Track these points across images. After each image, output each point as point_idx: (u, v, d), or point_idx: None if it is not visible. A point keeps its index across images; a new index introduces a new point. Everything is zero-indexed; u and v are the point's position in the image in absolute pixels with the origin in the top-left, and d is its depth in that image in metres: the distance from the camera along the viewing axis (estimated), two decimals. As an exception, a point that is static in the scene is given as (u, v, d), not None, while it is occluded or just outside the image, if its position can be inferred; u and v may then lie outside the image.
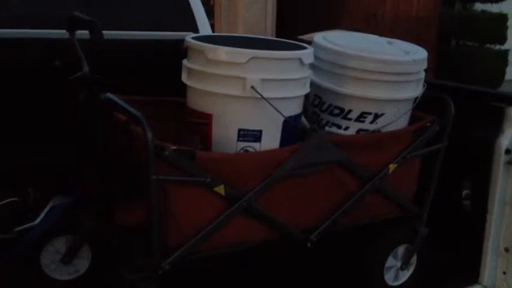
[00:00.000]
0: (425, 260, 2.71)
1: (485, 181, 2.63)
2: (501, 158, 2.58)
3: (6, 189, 2.64)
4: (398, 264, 2.64)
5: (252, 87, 2.04)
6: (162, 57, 2.80)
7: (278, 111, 2.09)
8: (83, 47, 2.21)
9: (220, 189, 2.04)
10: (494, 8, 8.93)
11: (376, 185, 2.40)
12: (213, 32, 3.75)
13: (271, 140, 2.18)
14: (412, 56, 2.46)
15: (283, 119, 2.14)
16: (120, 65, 2.63)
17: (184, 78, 2.22)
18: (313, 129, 2.30)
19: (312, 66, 2.30)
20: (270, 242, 2.27)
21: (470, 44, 8.84)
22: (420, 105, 2.50)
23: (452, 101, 2.50)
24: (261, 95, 2.05)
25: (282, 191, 2.18)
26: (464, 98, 2.64)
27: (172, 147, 1.93)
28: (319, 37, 2.54)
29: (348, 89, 2.38)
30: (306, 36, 3.22)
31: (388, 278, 2.63)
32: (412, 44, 2.62)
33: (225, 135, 2.13)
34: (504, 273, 2.70)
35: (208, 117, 2.14)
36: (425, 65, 2.48)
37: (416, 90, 2.47)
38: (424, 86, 2.50)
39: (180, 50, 2.27)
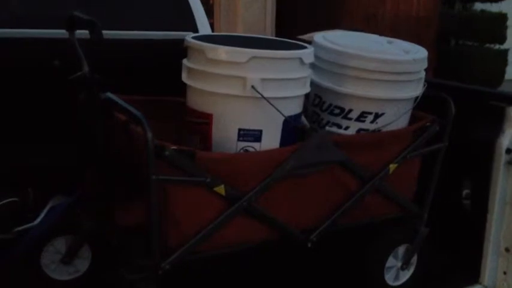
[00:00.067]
0: (426, 260, 2.71)
1: (485, 181, 2.63)
2: (501, 158, 2.58)
3: (6, 189, 2.64)
4: (399, 264, 2.64)
5: (252, 86, 2.04)
6: (161, 57, 2.80)
7: (278, 111, 2.09)
8: (82, 46, 2.21)
9: (221, 189, 2.03)
10: (493, 7, 8.94)
11: (376, 185, 2.40)
12: (213, 31, 3.74)
13: (271, 140, 2.17)
14: (412, 55, 2.45)
15: (284, 118, 2.14)
16: (120, 64, 2.63)
17: (184, 77, 2.22)
18: (313, 129, 2.29)
19: (312, 65, 2.30)
20: (270, 242, 2.26)
21: (470, 44, 8.85)
22: (420, 105, 2.50)
23: (452, 101, 2.50)
24: (261, 95, 2.04)
25: (282, 191, 2.18)
26: (464, 98, 2.64)
27: (172, 147, 1.92)
28: (319, 37, 2.54)
29: (348, 88, 2.38)
30: (305, 36, 3.22)
31: (389, 278, 2.63)
32: (412, 44, 2.62)
33: (225, 135, 2.13)
34: (505, 273, 2.69)
35: (208, 117, 2.14)
36: (425, 65, 2.48)
37: (416, 90, 2.47)
38: (424, 85, 2.49)
39: (179, 50, 2.26)
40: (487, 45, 8.82)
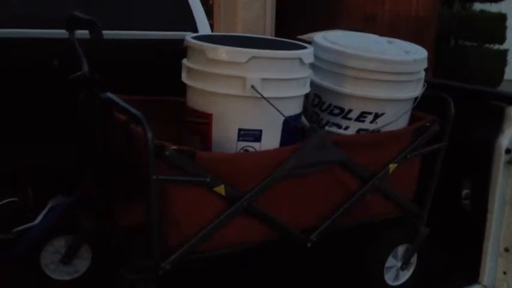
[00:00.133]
0: (426, 260, 2.71)
1: (485, 181, 2.63)
2: (501, 158, 2.58)
3: (6, 190, 2.63)
4: (399, 264, 2.64)
5: (252, 86, 2.04)
6: (161, 57, 2.80)
7: (278, 111, 2.09)
8: (82, 46, 2.21)
9: (221, 189, 2.03)
10: (493, 7, 8.95)
11: (376, 185, 2.40)
12: (212, 31, 3.74)
13: (271, 140, 2.17)
14: (412, 55, 2.45)
15: (283, 118, 2.14)
16: (120, 64, 2.63)
17: (184, 77, 2.22)
18: (313, 128, 2.29)
19: (312, 65, 2.30)
20: (270, 242, 2.26)
21: (469, 44, 8.86)
22: (420, 105, 2.50)
23: (452, 101, 2.50)
24: (261, 95, 2.04)
25: (282, 191, 2.18)
26: (464, 98, 2.64)
27: (172, 147, 1.92)
28: (319, 37, 2.54)
29: (348, 88, 2.38)
30: (305, 36, 3.21)
31: (388, 278, 2.63)
32: (412, 44, 2.62)
33: (225, 135, 2.13)
34: (504, 273, 2.70)
35: (208, 116, 2.14)
36: (425, 65, 2.48)
37: (416, 90, 2.47)
38: (424, 85, 2.49)
39: (179, 50, 2.26)
40: (487, 45, 8.84)
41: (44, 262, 2.48)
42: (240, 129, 2.12)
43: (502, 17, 8.69)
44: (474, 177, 2.72)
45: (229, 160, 2.09)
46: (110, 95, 2.19)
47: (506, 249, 2.67)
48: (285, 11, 6.64)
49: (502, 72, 8.79)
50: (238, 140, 2.13)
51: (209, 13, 5.73)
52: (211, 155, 2.10)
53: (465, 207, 2.76)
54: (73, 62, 2.21)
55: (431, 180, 2.58)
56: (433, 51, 6.28)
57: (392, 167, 2.42)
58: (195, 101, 2.21)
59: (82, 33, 2.12)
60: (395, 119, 2.42)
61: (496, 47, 8.85)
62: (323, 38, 2.52)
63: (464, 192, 2.75)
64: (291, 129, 2.20)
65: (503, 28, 8.70)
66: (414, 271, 2.70)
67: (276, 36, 5.51)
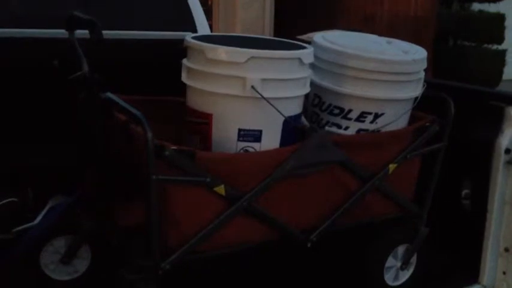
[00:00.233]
0: (425, 260, 2.71)
1: (485, 181, 2.63)
2: (501, 158, 2.58)
3: (6, 190, 2.63)
4: (398, 264, 2.64)
5: (252, 86, 2.04)
6: (160, 57, 2.80)
7: (278, 111, 2.09)
8: (82, 46, 2.21)
9: (221, 189, 2.03)
10: (491, 8, 8.96)
11: (376, 185, 2.40)
12: (211, 32, 3.74)
13: (271, 140, 2.17)
14: (411, 55, 2.46)
15: (283, 118, 2.14)
16: (119, 64, 2.63)
17: (184, 77, 2.22)
18: (313, 129, 2.29)
19: (312, 65, 2.30)
20: (270, 242, 2.26)
21: (468, 44, 8.86)
22: (420, 105, 2.50)
23: (452, 101, 2.50)
24: (261, 95, 2.04)
25: (282, 191, 2.18)
26: (464, 98, 2.64)
27: (172, 147, 1.92)
28: (318, 37, 2.54)
29: (347, 88, 2.38)
30: (304, 36, 3.21)
31: (388, 278, 2.63)
32: (411, 44, 2.62)
33: (225, 135, 2.13)
34: (504, 273, 2.70)
35: (208, 117, 2.14)
36: (425, 65, 2.48)
37: (416, 90, 2.47)
38: (423, 85, 2.49)
39: (178, 50, 2.26)
40: (485, 45, 8.84)
41: (44, 262, 2.48)
42: (240, 130, 2.12)
43: (500, 17, 8.69)
44: (474, 177, 2.72)
45: (229, 160, 2.09)
46: (109, 95, 2.19)
47: (506, 249, 2.67)
48: (284, 11, 6.64)
49: (501, 72, 8.80)
50: (238, 140, 2.13)
51: (208, 13, 5.73)
52: (211, 155, 2.10)
53: (465, 207, 2.76)
54: (73, 62, 2.21)
55: (431, 180, 2.58)
56: (431, 51, 6.28)
57: (392, 167, 2.42)
58: (195, 101, 2.20)
59: (82, 33, 2.11)
60: (395, 119, 2.42)
61: (495, 47, 8.85)
62: (322, 38, 2.52)
63: (464, 192, 2.75)
64: (291, 129, 2.20)
65: (502, 28, 8.70)
66: (414, 271, 2.70)
67: (275, 36, 5.51)
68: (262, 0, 6.39)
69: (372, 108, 2.39)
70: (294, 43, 2.37)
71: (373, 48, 2.46)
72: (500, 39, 8.75)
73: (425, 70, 2.51)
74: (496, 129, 2.60)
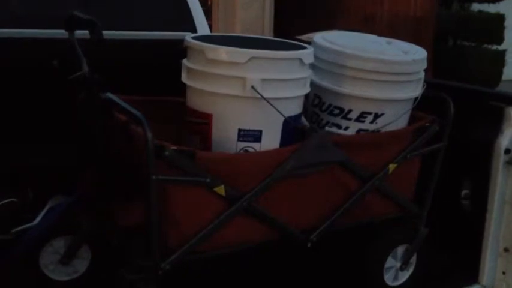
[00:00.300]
0: (425, 260, 2.71)
1: (484, 181, 2.63)
2: (500, 158, 2.58)
3: (5, 190, 2.63)
4: (398, 264, 2.64)
5: (252, 87, 2.04)
6: (160, 57, 2.80)
7: (278, 111, 2.09)
8: (82, 46, 2.21)
9: (221, 189, 2.03)
10: (491, 8, 8.95)
11: (376, 185, 2.40)
12: (211, 32, 3.74)
13: (271, 140, 2.17)
14: (411, 55, 2.46)
15: (283, 119, 2.14)
16: (119, 64, 2.63)
17: (184, 78, 2.22)
18: (313, 129, 2.29)
19: (312, 66, 2.30)
20: (270, 242, 2.26)
21: (467, 44, 8.86)
22: (420, 105, 2.50)
23: (452, 101, 2.50)
24: (261, 95, 2.04)
25: (282, 191, 2.18)
26: (464, 98, 2.64)
27: (172, 147, 1.92)
28: (318, 37, 2.54)
29: (347, 89, 2.38)
30: (304, 37, 3.22)
31: (388, 278, 2.63)
32: (411, 44, 2.62)
33: (225, 135, 2.13)
34: (503, 273, 2.70)
35: (208, 117, 2.14)
36: (425, 65, 2.48)
37: (416, 90, 2.47)
38: (423, 85, 2.49)
39: (178, 50, 2.26)
40: (485, 45, 8.84)
41: (43, 262, 2.48)
42: (240, 130, 2.12)
43: (500, 18, 8.69)
44: (474, 177, 2.72)
45: (229, 160, 2.09)
46: (109, 95, 2.19)
47: (506, 249, 2.67)
48: (284, 11, 6.64)
49: (500, 73, 8.79)
50: (238, 140, 2.13)
51: (208, 13, 5.73)
52: (211, 155, 2.10)
53: (465, 207, 2.76)
54: (73, 62, 2.21)
55: (431, 180, 2.58)
56: (431, 52, 6.28)
57: (392, 167, 2.42)
58: (194, 101, 2.20)
59: (82, 33, 2.11)
60: (395, 119, 2.42)
61: (494, 47, 8.85)
62: (322, 38, 2.52)
63: (464, 192, 2.75)
64: (291, 129, 2.20)
65: (502, 28, 8.70)
66: (414, 271, 2.70)
67: (274, 36, 5.51)
68: (261, 0, 6.40)
69: (372, 109, 2.39)
70: (293, 43, 2.37)
71: (373, 48, 2.46)
72: (500, 39, 8.75)
73: (425, 70, 2.51)
74: (496, 129, 2.60)
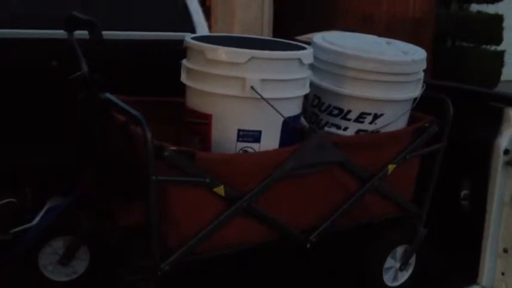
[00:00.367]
0: (424, 261, 2.71)
1: (484, 181, 2.63)
2: (500, 159, 2.58)
3: (4, 190, 2.62)
4: (397, 264, 2.64)
5: (252, 87, 2.03)
6: (159, 58, 2.80)
7: (278, 112, 2.09)
8: (82, 46, 2.21)
9: (220, 189, 2.03)
10: (490, 8, 8.95)
11: (376, 186, 2.40)
12: (210, 32, 3.74)
13: (270, 141, 2.17)
14: (410, 56, 2.46)
15: (283, 119, 2.14)
16: (118, 65, 2.63)
17: (184, 78, 2.22)
18: (312, 129, 2.29)
19: (311, 66, 2.30)
20: (269, 242, 2.26)
21: (466, 45, 8.85)
22: (419, 106, 2.50)
23: (451, 102, 2.50)
24: (260, 96, 2.04)
25: (282, 192, 2.18)
26: (463, 99, 2.64)
27: (171, 148, 1.92)
28: (318, 37, 2.54)
29: (347, 89, 2.38)
30: (303, 37, 3.22)
31: (387, 278, 2.63)
32: (410, 45, 2.62)
33: (224, 135, 2.13)
34: (503, 273, 2.70)
35: (207, 117, 2.13)
36: (424, 66, 2.48)
37: (415, 91, 2.47)
38: (423, 86, 2.49)
39: (177, 51, 2.26)
40: (484, 46, 8.83)
41: (42, 263, 2.47)
42: (239, 130, 2.12)
43: (499, 18, 8.69)
44: (473, 178, 2.72)
45: (228, 161, 2.08)
46: (109, 95, 2.19)
47: (505, 250, 2.67)
48: (283, 12, 6.64)
49: (499, 73, 8.79)
50: (238, 140, 2.13)
51: (207, 14, 5.72)
52: (210, 156, 2.10)
53: (464, 208, 2.77)
54: (72, 62, 2.21)
55: (430, 180, 2.58)
56: (430, 52, 6.27)
57: (391, 167, 2.42)
58: (194, 102, 2.20)
59: (82, 33, 2.11)
60: (394, 120, 2.42)
61: (493, 48, 8.85)
62: (322, 38, 2.52)
63: (463, 193, 2.75)
64: (291, 130, 2.20)
65: (500, 29, 8.69)
66: (413, 272, 2.70)
67: (273, 37, 5.51)
68: (260, 1, 6.39)
69: (371, 109, 2.39)
70: (293, 44, 2.37)
71: (372, 48, 2.46)
72: (499, 40, 8.75)
73: (424, 71, 2.51)
74: (495, 130, 2.60)
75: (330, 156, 2.25)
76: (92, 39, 2.05)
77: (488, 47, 8.83)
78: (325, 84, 2.41)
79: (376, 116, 2.40)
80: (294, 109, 2.22)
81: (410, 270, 2.70)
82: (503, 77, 8.84)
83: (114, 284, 2.13)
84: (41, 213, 2.49)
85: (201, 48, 2.11)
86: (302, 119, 2.35)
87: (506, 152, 2.57)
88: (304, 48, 2.26)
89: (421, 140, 2.49)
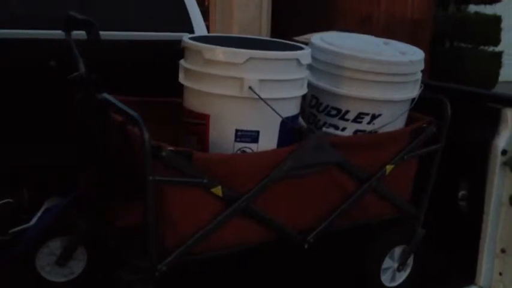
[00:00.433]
0: (422, 261, 2.71)
1: (481, 182, 2.63)
2: (497, 159, 2.58)
3: (1, 190, 2.62)
4: (395, 265, 2.64)
5: (250, 87, 2.03)
6: (157, 58, 2.80)
7: (275, 112, 2.09)
8: (79, 47, 2.20)
9: (218, 190, 2.02)
10: (488, 9, 8.96)
11: (373, 186, 2.40)
12: (208, 33, 3.74)
13: (268, 141, 2.17)
14: (408, 56, 2.46)
15: (281, 119, 2.14)
16: (116, 65, 2.62)
17: (182, 78, 2.21)
18: (310, 129, 2.29)
19: (309, 66, 2.30)
20: (267, 243, 2.26)
21: (464, 46, 8.86)
22: (417, 106, 2.50)
23: (449, 102, 2.50)
24: (258, 96, 2.04)
25: (280, 192, 2.17)
26: (461, 99, 2.65)
27: (169, 148, 1.92)
28: (316, 38, 2.54)
29: (345, 89, 2.38)
30: (301, 38, 3.21)
31: (385, 279, 2.63)
32: (408, 45, 2.63)
33: (222, 135, 2.13)
34: (500, 274, 2.70)
35: (205, 117, 2.13)
36: (422, 66, 2.48)
37: (413, 91, 2.47)
38: (421, 87, 2.50)
39: (175, 51, 2.26)
40: (482, 47, 8.84)
41: (40, 264, 2.47)
42: (237, 130, 2.12)
43: (496, 19, 8.70)
44: (470, 179, 2.72)
45: (226, 161, 2.08)
46: (106, 95, 2.18)
47: (503, 250, 2.67)
48: (281, 12, 6.64)
49: (497, 74, 8.80)
50: (236, 140, 2.13)
51: (205, 14, 5.72)
52: (208, 156, 2.10)
53: (461, 209, 2.77)
54: (70, 62, 2.20)
55: (428, 181, 2.59)
56: (428, 53, 6.28)
57: (389, 168, 2.42)
58: (192, 102, 2.20)
59: (80, 33, 2.11)
60: (392, 120, 2.42)
61: (491, 48, 8.86)
62: (320, 39, 2.52)
63: (461, 193, 2.75)
64: (289, 130, 2.20)
65: (498, 30, 8.71)
66: (411, 272, 2.70)
67: (271, 37, 5.51)
68: (259, 1, 6.39)
69: (369, 109, 2.39)
70: (291, 44, 2.37)
71: (370, 49, 2.46)
72: (497, 41, 8.76)
73: (422, 71, 2.51)
74: (493, 130, 2.60)
75: (328, 157, 2.25)
76: (89, 40, 2.04)
77: (486, 48, 8.84)
78: (323, 84, 2.41)
79: (374, 117, 2.40)
80: (292, 109, 2.22)
81: (408, 271, 2.70)
82: (501, 78, 8.85)
83: (112, 285, 2.13)
84: (39, 214, 2.49)
85: (199, 49, 2.11)
86: (300, 119, 2.35)
87: (504, 152, 2.58)
88: (302, 49, 2.26)
89: (419, 140, 2.49)
